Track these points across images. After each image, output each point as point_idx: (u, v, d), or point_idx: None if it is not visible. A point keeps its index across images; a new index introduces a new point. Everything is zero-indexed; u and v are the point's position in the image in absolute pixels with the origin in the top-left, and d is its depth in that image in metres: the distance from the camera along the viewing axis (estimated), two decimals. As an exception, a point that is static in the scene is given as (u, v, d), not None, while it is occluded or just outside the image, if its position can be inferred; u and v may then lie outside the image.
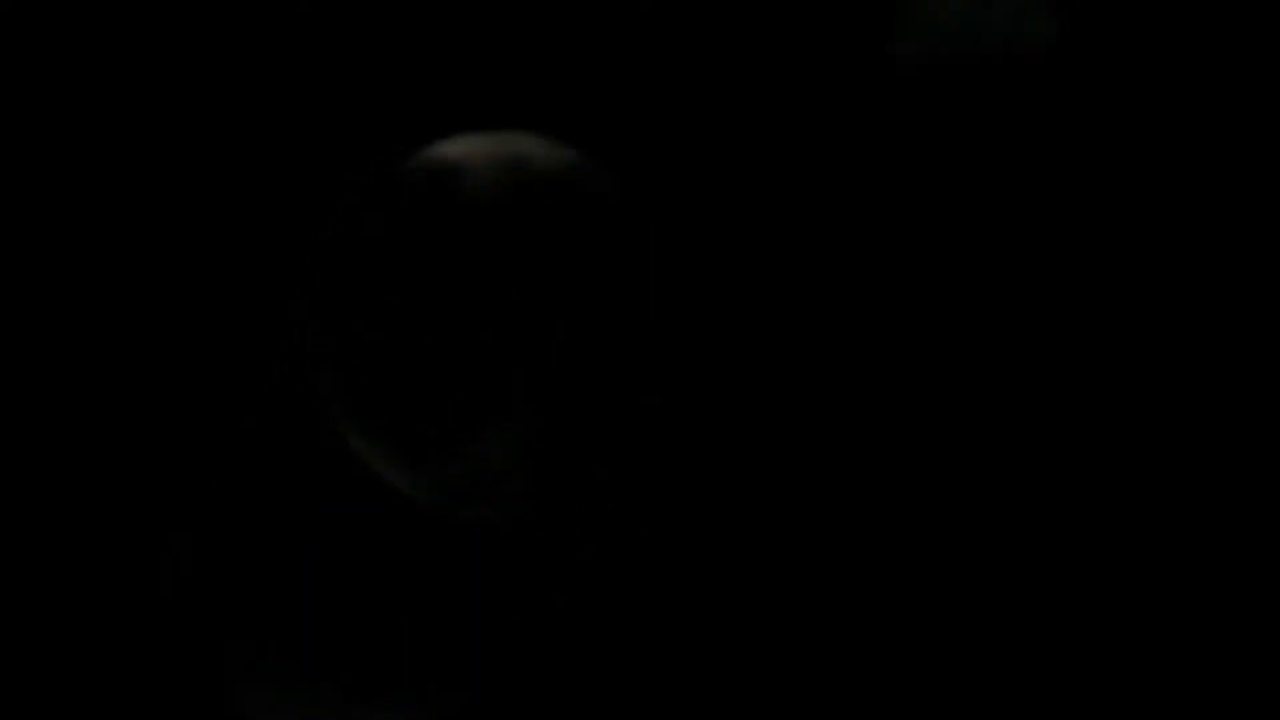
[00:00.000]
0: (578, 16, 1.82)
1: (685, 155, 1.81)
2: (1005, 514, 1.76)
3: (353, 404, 1.60)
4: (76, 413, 1.81)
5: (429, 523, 1.67)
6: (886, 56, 1.82)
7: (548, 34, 1.84)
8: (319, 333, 1.62)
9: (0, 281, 1.82)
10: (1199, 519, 1.77)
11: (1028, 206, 1.84)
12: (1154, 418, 1.77)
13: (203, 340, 1.82)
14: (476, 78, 1.84)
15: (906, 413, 1.79)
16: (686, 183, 1.77)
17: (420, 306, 1.56)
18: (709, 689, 1.76)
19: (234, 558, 1.71)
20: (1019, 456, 1.77)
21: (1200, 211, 1.83)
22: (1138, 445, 1.77)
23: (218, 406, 1.80)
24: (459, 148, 1.61)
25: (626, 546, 1.75)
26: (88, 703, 1.75)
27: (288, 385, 1.76)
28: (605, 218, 1.61)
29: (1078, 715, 1.74)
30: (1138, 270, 1.83)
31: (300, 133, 1.85)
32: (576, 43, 1.83)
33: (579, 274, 1.60)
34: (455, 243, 1.57)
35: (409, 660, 1.69)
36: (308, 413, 1.73)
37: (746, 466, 1.77)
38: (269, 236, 1.83)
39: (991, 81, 1.82)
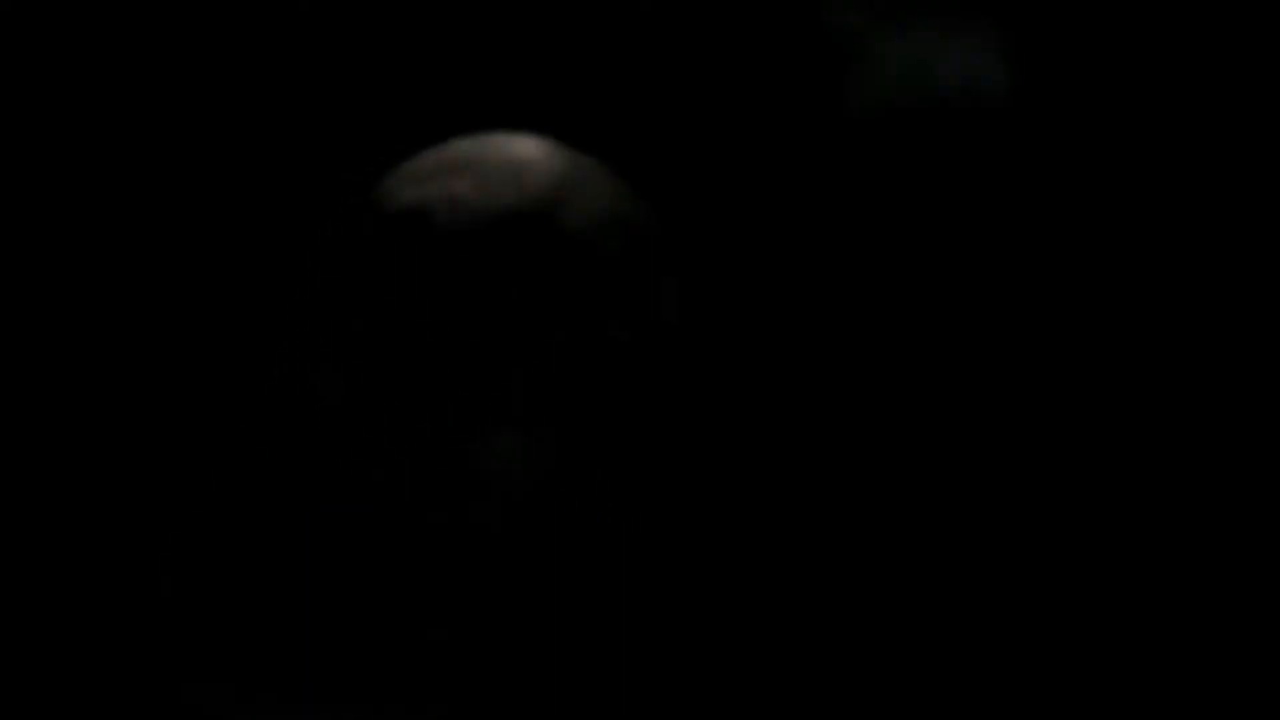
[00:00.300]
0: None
1: (640, 200, 1.81)
2: (972, 539, 1.77)
3: (353, 407, 1.60)
4: (77, 412, 1.80)
5: (426, 525, 1.66)
6: (841, 104, 1.81)
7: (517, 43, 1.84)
8: (319, 340, 1.62)
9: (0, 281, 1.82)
10: (1193, 522, 1.77)
11: (982, 254, 1.83)
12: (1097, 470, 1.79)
13: (203, 341, 1.82)
14: (473, 78, 1.84)
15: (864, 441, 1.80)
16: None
17: (417, 317, 1.57)
18: (710, 687, 1.76)
19: (234, 558, 1.71)
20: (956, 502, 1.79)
21: (1155, 257, 1.83)
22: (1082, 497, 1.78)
23: (217, 406, 1.80)
24: (431, 186, 1.61)
25: (629, 548, 1.72)
26: (87, 703, 1.74)
27: (286, 386, 1.72)
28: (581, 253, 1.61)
29: (1078, 715, 1.74)
30: (1091, 315, 1.83)
31: (299, 133, 1.85)
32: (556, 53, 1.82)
33: (571, 287, 1.60)
34: (435, 270, 1.58)
35: (409, 661, 1.69)
36: (306, 414, 1.70)
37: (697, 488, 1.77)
38: (270, 236, 1.83)
39: (946, 130, 1.82)
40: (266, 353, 1.82)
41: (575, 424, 1.60)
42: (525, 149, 1.65)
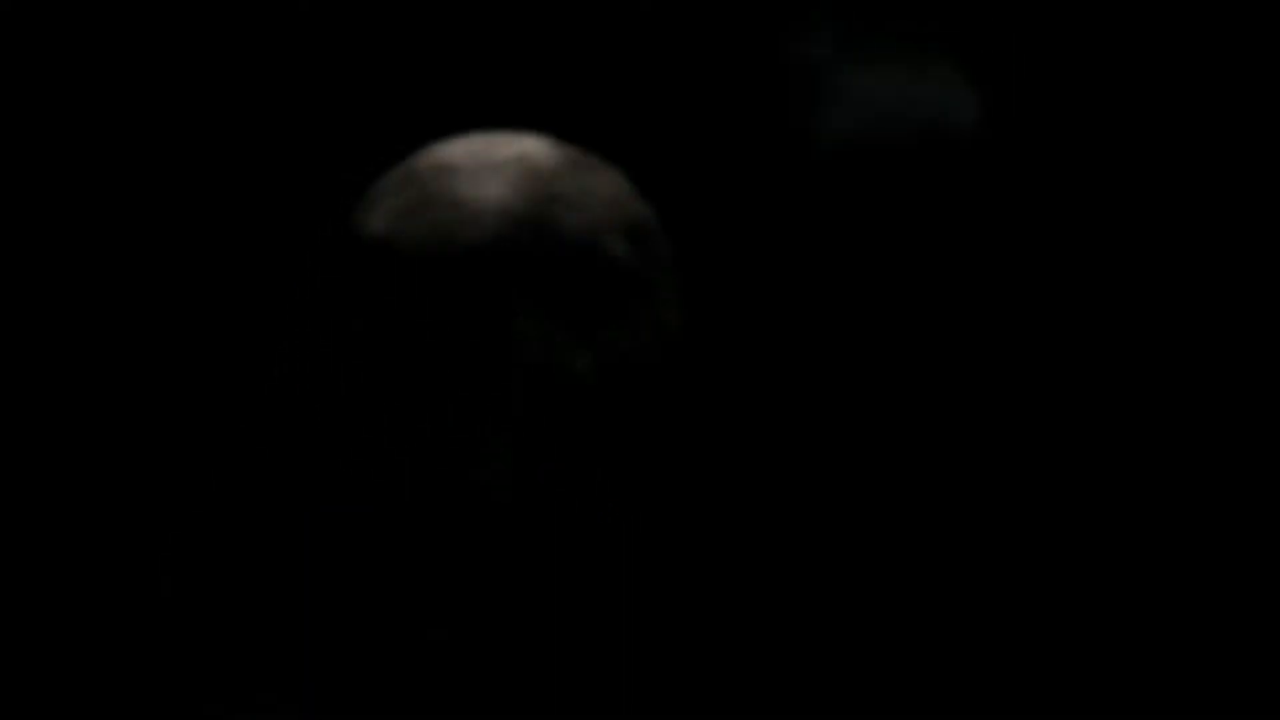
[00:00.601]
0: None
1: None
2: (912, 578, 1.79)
3: (354, 410, 1.60)
4: (77, 413, 1.81)
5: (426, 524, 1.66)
6: (811, 134, 1.81)
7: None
8: (326, 347, 1.62)
9: (1, 281, 1.82)
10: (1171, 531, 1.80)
11: (952, 284, 1.84)
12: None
13: (203, 340, 1.82)
14: (471, 78, 1.84)
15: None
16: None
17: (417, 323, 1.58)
18: (712, 687, 1.76)
19: (234, 558, 1.72)
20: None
21: (1123, 288, 1.84)
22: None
23: (217, 406, 1.80)
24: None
25: (628, 548, 1.73)
26: (88, 702, 1.74)
27: (288, 388, 1.76)
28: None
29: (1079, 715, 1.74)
30: (1059, 343, 1.84)
31: (299, 133, 1.85)
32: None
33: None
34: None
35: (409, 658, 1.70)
36: (308, 415, 1.70)
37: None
38: (270, 236, 1.83)
39: (916, 160, 1.82)
40: (267, 353, 1.82)
41: (576, 424, 1.60)
42: (526, 147, 1.65)
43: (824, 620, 1.78)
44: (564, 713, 1.71)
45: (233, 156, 1.85)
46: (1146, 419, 1.82)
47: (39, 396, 1.82)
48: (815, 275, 1.83)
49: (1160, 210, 1.83)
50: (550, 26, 1.83)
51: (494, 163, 1.62)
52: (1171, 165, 1.83)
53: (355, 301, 1.59)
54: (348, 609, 1.70)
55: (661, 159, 1.83)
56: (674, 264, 1.69)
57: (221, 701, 1.71)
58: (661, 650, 1.76)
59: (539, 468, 1.60)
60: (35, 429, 1.81)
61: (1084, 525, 1.79)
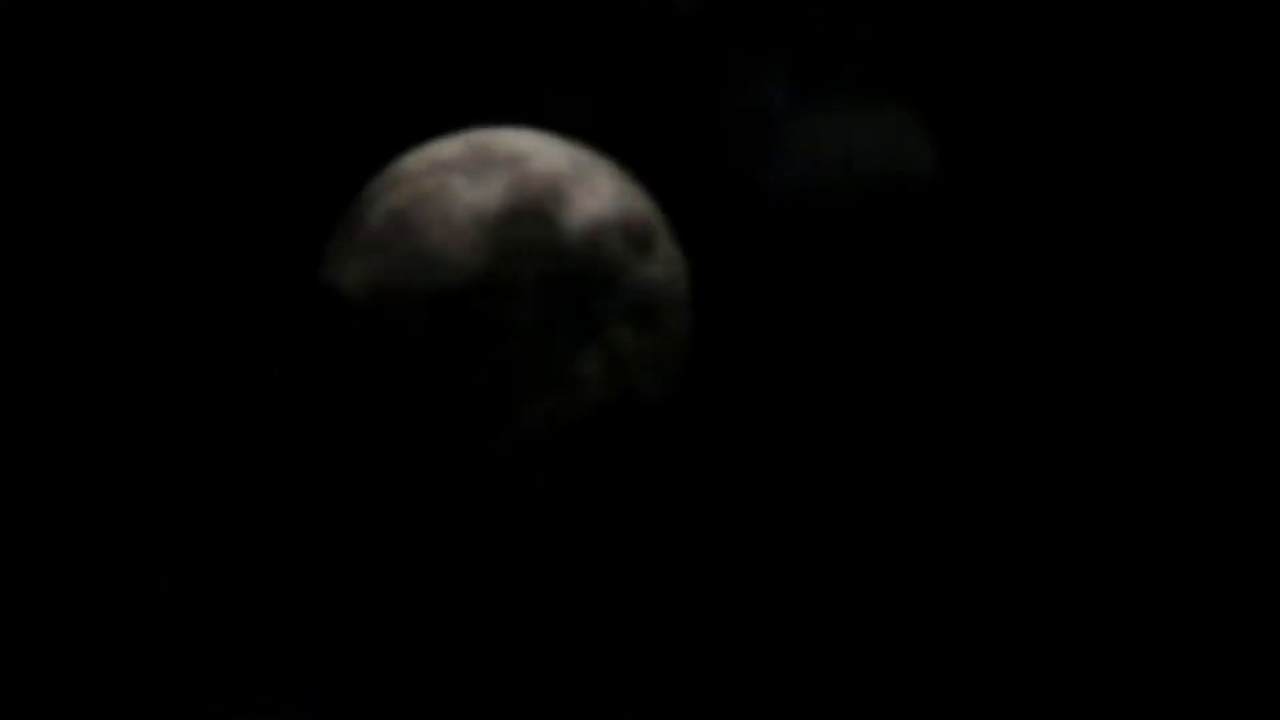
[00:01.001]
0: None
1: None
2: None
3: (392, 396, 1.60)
4: (77, 413, 1.80)
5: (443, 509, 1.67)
6: (763, 183, 1.80)
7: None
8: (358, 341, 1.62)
9: (2, 281, 1.82)
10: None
11: (904, 334, 1.83)
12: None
13: (202, 340, 1.82)
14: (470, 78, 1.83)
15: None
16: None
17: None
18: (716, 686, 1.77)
19: (234, 558, 1.73)
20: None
21: (1077, 336, 1.83)
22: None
23: (219, 407, 1.80)
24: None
25: (627, 550, 1.75)
26: (89, 702, 1.75)
27: (303, 380, 1.75)
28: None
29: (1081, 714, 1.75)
30: (1014, 393, 1.83)
31: (299, 133, 1.84)
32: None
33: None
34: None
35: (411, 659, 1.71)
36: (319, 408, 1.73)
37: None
38: (269, 236, 1.82)
39: (869, 210, 1.81)
40: (267, 353, 1.81)
41: (576, 423, 1.60)
42: (528, 143, 1.65)
43: (817, 632, 1.78)
44: (564, 713, 1.72)
45: (232, 157, 1.85)
46: (1107, 462, 1.81)
47: (39, 397, 1.82)
48: (772, 324, 1.82)
49: (1116, 256, 1.83)
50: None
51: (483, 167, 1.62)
52: (1127, 209, 1.83)
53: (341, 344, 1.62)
54: (348, 609, 1.70)
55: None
56: (683, 266, 1.70)
57: (221, 701, 1.72)
58: (661, 652, 1.76)
59: (539, 468, 1.61)
60: (35, 431, 1.81)
61: (1039, 576, 1.79)
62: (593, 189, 1.62)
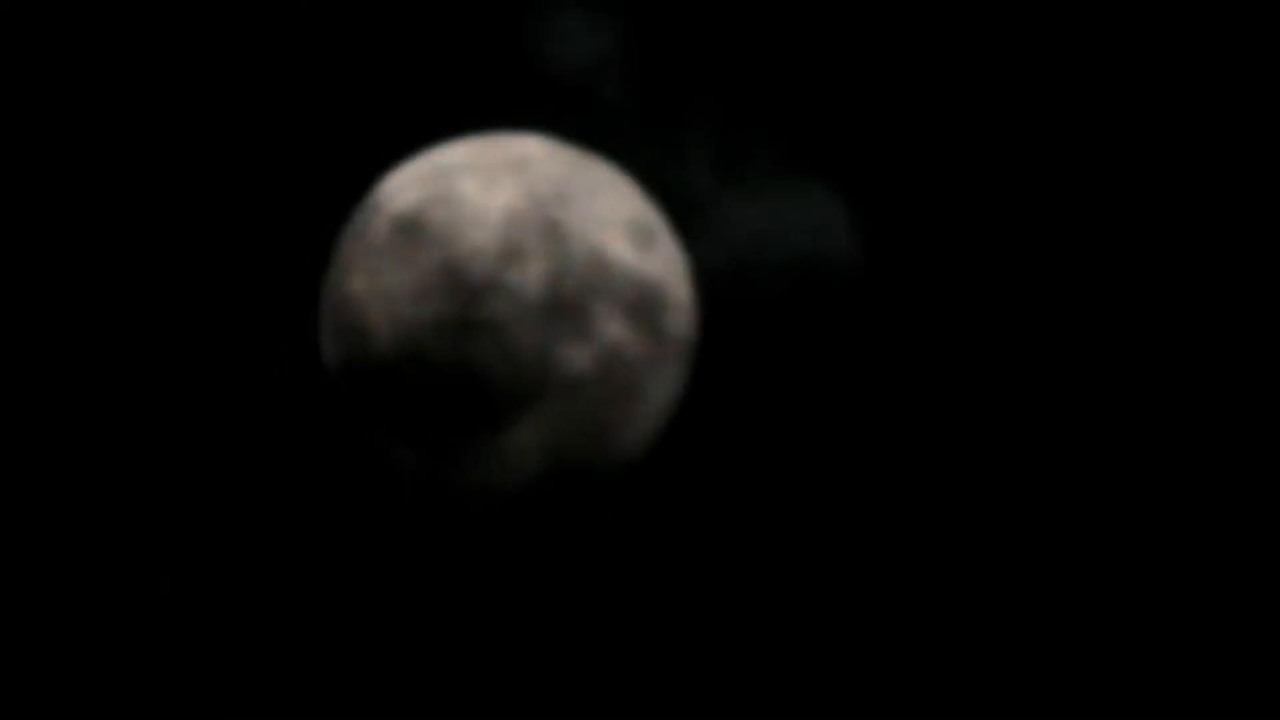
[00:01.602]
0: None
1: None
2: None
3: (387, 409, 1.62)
4: (77, 413, 1.81)
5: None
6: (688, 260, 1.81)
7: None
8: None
9: (2, 282, 1.83)
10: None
11: (830, 413, 1.83)
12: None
13: (202, 340, 1.83)
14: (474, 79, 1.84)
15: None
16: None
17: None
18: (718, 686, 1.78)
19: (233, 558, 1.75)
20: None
21: (1002, 410, 1.84)
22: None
23: (219, 406, 1.81)
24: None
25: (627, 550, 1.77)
26: (89, 702, 1.76)
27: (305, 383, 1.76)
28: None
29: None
30: (941, 470, 1.84)
31: (300, 132, 1.85)
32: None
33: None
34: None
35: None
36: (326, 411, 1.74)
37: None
38: (271, 235, 1.83)
39: (793, 289, 1.82)
40: (267, 352, 1.82)
41: (578, 422, 1.61)
42: (530, 149, 1.66)
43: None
44: (564, 713, 1.73)
45: (232, 157, 1.86)
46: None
47: (38, 399, 1.83)
48: (698, 404, 1.82)
49: (1037, 327, 1.85)
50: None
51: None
52: (1047, 283, 1.85)
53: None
54: (348, 610, 1.73)
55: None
56: (685, 265, 1.71)
57: (222, 701, 1.73)
58: (660, 654, 1.77)
59: (539, 468, 1.62)
60: (35, 432, 1.82)
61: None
62: (596, 191, 1.65)
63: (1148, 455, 1.81)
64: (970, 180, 1.85)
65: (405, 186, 1.66)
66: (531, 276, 1.59)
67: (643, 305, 1.62)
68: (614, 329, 1.61)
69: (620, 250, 1.62)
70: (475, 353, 1.58)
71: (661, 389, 1.67)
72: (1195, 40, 1.84)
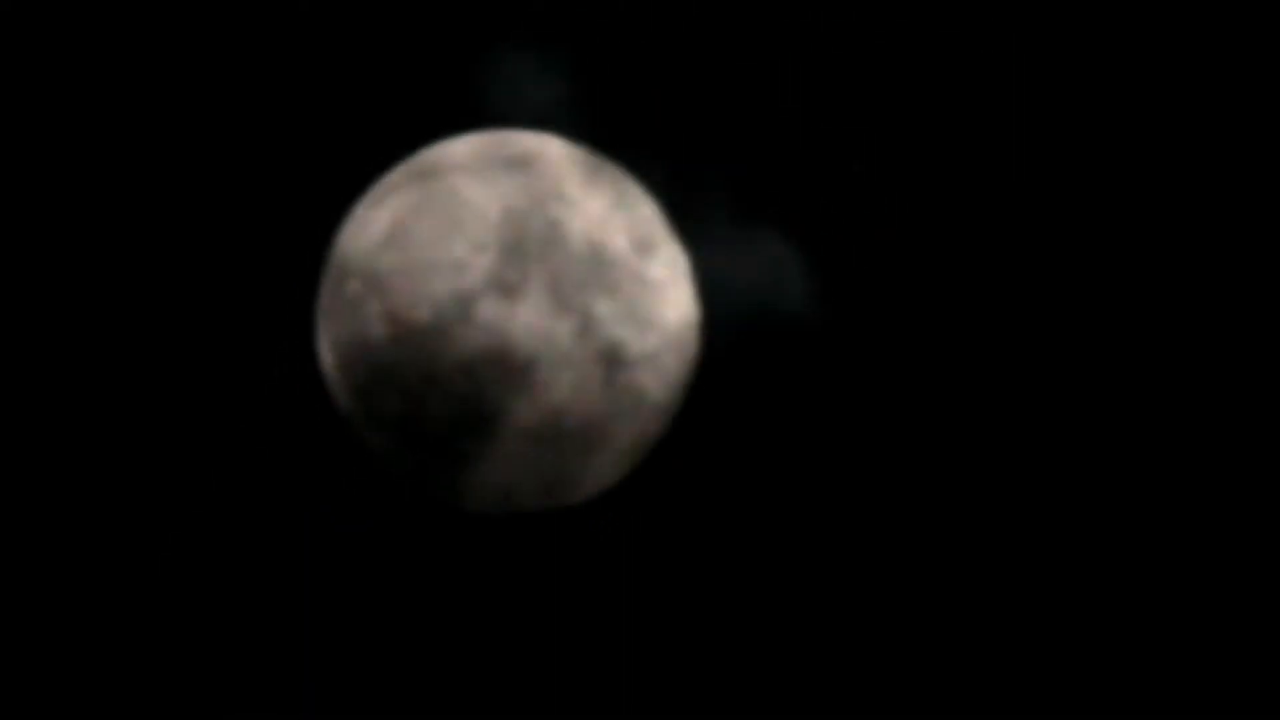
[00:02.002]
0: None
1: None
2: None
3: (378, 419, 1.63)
4: (77, 412, 1.81)
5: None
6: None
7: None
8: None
9: (3, 282, 1.83)
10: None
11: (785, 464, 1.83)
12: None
13: (201, 340, 1.83)
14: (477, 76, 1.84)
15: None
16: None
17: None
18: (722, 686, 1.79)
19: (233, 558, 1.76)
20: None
21: (955, 464, 1.84)
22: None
23: (219, 406, 1.81)
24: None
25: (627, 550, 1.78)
26: (90, 703, 1.76)
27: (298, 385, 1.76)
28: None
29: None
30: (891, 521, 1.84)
31: (299, 132, 1.85)
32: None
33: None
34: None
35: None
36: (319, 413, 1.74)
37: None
38: (269, 236, 1.83)
39: (746, 341, 1.82)
40: (267, 352, 1.82)
41: (579, 419, 1.62)
42: (535, 144, 1.67)
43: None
44: (564, 712, 1.74)
45: (232, 157, 1.86)
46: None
47: (35, 399, 1.83)
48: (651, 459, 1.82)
49: (990, 379, 1.84)
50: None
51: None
52: (997, 335, 1.85)
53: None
54: (347, 612, 1.73)
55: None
56: (685, 263, 1.71)
57: (222, 703, 1.74)
58: (661, 656, 1.78)
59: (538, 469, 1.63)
60: (34, 432, 1.82)
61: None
62: (597, 190, 1.66)
63: (1105, 497, 1.82)
64: (924, 227, 1.84)
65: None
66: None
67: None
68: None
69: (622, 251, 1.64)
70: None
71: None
72: (1141, 95, 1.84)
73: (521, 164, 1.66)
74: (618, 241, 1.65)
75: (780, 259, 1.82)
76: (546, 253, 1.61)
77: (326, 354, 1.66)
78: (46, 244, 1.84)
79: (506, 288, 1.61)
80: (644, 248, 1.67)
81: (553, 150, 1.68)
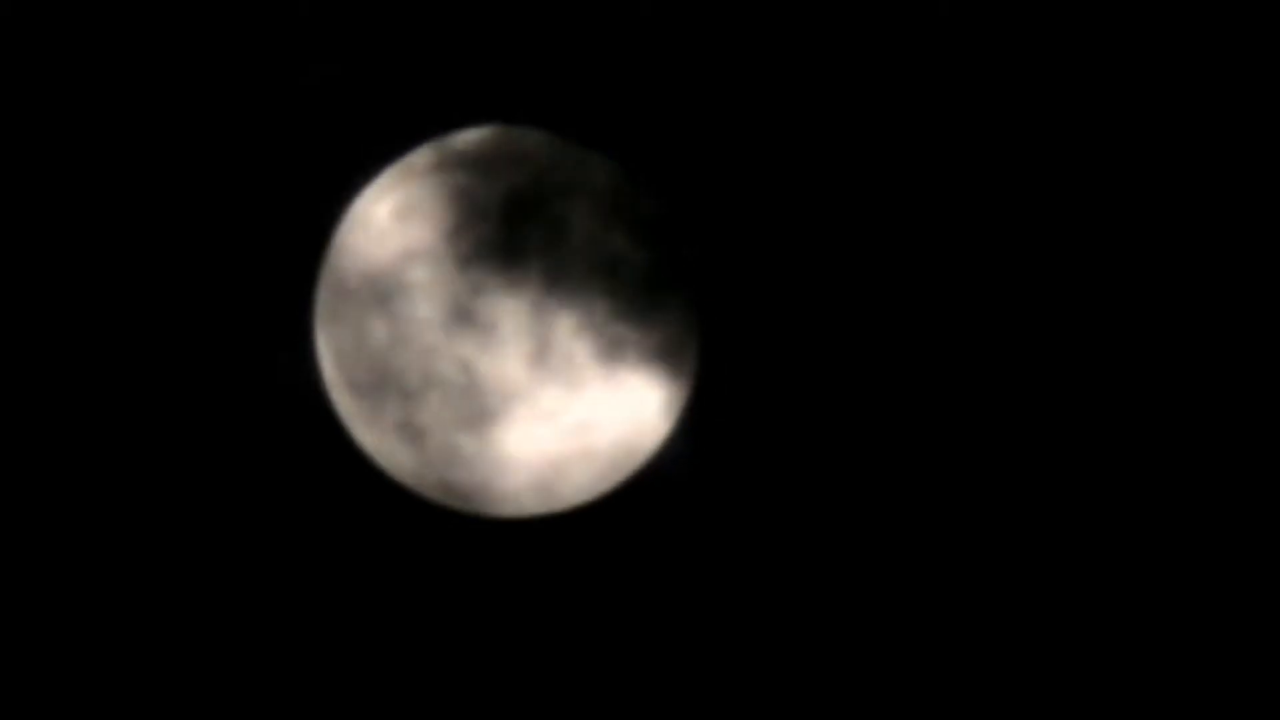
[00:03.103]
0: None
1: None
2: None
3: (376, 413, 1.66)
4: (77, 412, 1.82)
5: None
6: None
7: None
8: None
9: (3, 282, 1.83)
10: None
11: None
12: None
13: (202, 340, 1.83)
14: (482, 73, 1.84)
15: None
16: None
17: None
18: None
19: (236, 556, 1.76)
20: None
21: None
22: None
23: (218, 406, 1.81)
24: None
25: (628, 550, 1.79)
26: (90, 703, 1.76)
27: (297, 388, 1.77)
28: None
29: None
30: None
31: (300, 131, 1.85)
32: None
33: None
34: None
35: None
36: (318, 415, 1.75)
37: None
38: (271, 235, 1.83)
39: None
40: (268, 352, 1.82)
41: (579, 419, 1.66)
42: (527, 141, 1.68)
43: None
44: (564, 713, 1.75)
45: (233, 157, 1.87)
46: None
47: (31, 400, 1.83)
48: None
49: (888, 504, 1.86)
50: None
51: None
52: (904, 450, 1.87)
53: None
54: (347, 612, 1.74)
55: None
56: (686, 260, 1.72)
57: (222, 701, 1.74)
58: (662, 659, 1.79)
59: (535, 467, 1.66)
60: (30, 433, 1.82)
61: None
62: (591, 186, 1.67)
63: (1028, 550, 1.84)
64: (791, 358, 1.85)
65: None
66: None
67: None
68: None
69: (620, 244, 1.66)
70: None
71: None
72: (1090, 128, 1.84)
73: (521, 161, 1.67)
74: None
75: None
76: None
77: (326, 354, 1.68)
78: (46, 244, 1.84)
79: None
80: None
81: None
